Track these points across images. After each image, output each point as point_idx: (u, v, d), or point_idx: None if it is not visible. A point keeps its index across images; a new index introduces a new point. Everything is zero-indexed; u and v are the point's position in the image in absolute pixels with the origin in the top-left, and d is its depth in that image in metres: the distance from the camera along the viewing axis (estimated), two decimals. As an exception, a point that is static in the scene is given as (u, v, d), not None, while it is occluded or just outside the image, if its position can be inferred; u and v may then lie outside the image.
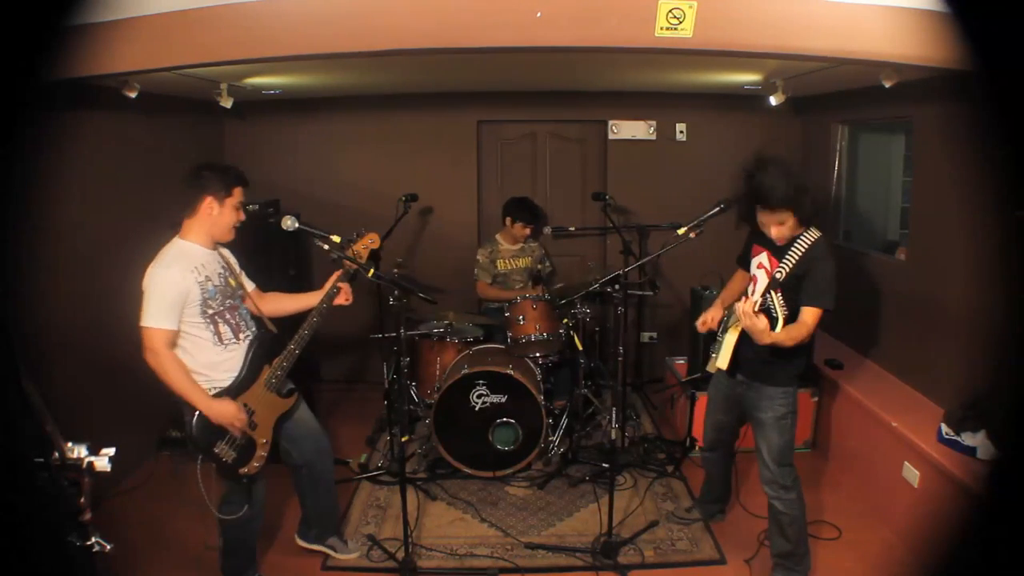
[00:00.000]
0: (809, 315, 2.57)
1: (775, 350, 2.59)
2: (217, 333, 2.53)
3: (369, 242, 2.84)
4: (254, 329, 2.70)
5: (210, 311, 2.50)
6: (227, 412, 2.46)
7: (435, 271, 4.96)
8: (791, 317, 2.56)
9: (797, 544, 2.79)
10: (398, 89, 4.75)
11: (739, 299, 2.98)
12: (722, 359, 2.84)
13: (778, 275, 2.63)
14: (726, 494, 3.40)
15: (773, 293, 2.48)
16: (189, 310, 2.45)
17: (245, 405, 2.57)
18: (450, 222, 5.13)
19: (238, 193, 2.57)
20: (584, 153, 5.24)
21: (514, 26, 2.46)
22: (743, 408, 2.91)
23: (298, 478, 2.90)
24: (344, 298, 2.75)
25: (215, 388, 2.52)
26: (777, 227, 2.60)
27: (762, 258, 2.79)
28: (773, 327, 2.46)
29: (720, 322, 2.95)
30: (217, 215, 2.54)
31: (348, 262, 2.75)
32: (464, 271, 4.67)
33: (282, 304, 2.85)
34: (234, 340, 2.59)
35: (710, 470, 3.33)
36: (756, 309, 2.51)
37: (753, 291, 2.81)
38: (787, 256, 2.63)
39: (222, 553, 2.77)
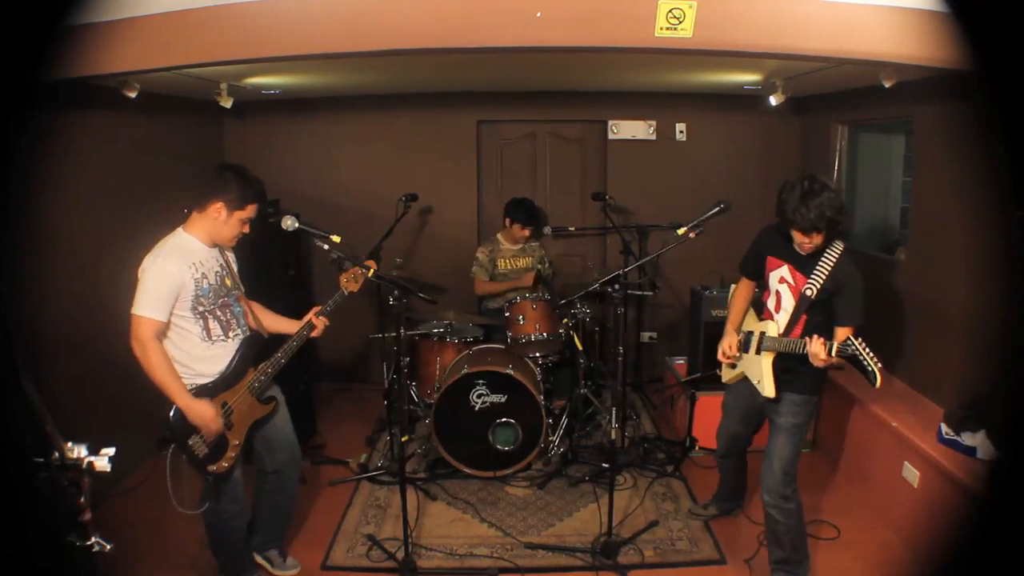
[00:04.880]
0: (845, 334, 2.51)
1: (802, 359, 2.56)
2: (206, 328, 2.53)
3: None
4: (245, 328, 2.69)
5: (200, 308, 2.50)
6: (205, 414, 2.45)
7: (435, 271, 4.96)
8: (822, 333, 2.53)
9: (794, 551, 2.78)
10: (398, 89, 4.75)
11: (747, 310, 2.96)
12: (768, 388, 2.73)
13: (808, 292, 2.61)
14: (741, 492, 3.40)
15: (857, 344, 2.37)
16: (180, 303, 2.45)
17: (225, 404, 2.56)
18: (450, 222, 5.13)
19: (251, 210, 2.54)
20: (584, 153, 5.24)
21: (514, 26, 2.46)
22: (763, 415, 2.90)
23: (263, 483, 2.87)
24: (319, 332, 2.76)
25: (198, 382, 2.52)
26: (810, 241, 2.56)
27: (783, 272, 2.73)
28: (873, 382, 2.36)
29: (738, 345, 2.91)
30: (222, 222, 2.52)
31: (350, 263, 2.76)
32: (464, 271, 4.67)
33: (261, 318, 2.81)
34: (223, 337, 2.58)
35: (725, 475, 3.33)
36: (835, 355, 2.44)
37: (778, 308, 2.76)
38: (816, 272, 2.59)
39: (212, 553, 2.78)
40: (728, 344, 2.91)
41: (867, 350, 2.36)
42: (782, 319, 2.73)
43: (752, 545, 3.09)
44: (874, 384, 2.37)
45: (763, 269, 2.82)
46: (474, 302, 4.80)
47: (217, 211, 2.50)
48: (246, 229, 2.59)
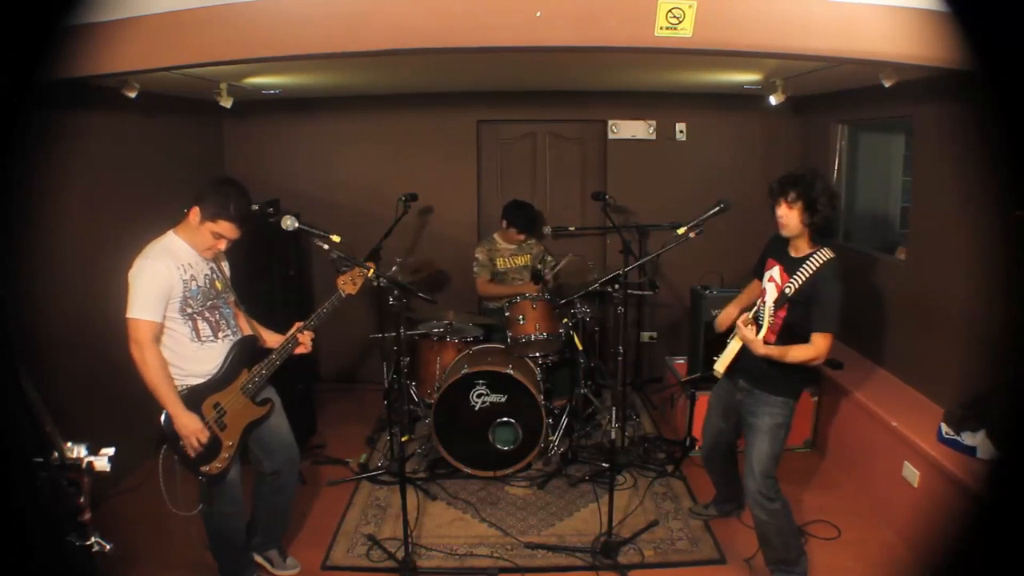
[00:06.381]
0: (820, 340, 2.57)
1: (777, 362, 2.64)
2: (195, 329, 2.53)
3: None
4: (236, 330, 2.68)
5: (189, 309, 2.51)
6: (190, 426, 2.46)
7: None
8: (797, 334, 2.61)
9: (787, 550, 2.79)
10: (398, 89, 4.75)
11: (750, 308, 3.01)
12: (720, 364, 2.85)
13: (787, 290, 2.65)
14: (740, 494, 3.39)
15: (765, 310, 2.52)
16: (170, 304, 2.46)
17: (217, 404, 2.56)
18: (450, 222, 5.13)
19: (223, 225, 2.49)
20: (584, 153, 5.24)
21: (514, 26, 2.46)
22: (740, 415, 2.92)
23: (261, 485, 2.87)
24: (304, 348, 2.74)
25: (189, 382, 2.52)
26: (786, 209, 2.63)
27: (774, 271, 2.80)
28: (757, 333, 2.52)
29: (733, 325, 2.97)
30: (194, 228, 2.52)
31: (351, 263, 2.76)
32: (464, 270, 4.67)
33: (245, 327, 2.80)
34: (212, 338, 2.58)
35: (714, 478, 3.34)
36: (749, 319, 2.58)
37: (762, 303, 2.81)
38: (798, 272, 2.65)
39: (212, 554, 2.78)
40: (725, 314, 3.00)
41: (771, 312, 2.61)
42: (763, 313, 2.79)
43: (752, 545, 3.08)
44: (758, 335, 2.61)
45: (763, 271, 2.89)
46: (474, 302, 4.80)
47: (194, 214, 2.50)
48: (221, 245, 2.55)
